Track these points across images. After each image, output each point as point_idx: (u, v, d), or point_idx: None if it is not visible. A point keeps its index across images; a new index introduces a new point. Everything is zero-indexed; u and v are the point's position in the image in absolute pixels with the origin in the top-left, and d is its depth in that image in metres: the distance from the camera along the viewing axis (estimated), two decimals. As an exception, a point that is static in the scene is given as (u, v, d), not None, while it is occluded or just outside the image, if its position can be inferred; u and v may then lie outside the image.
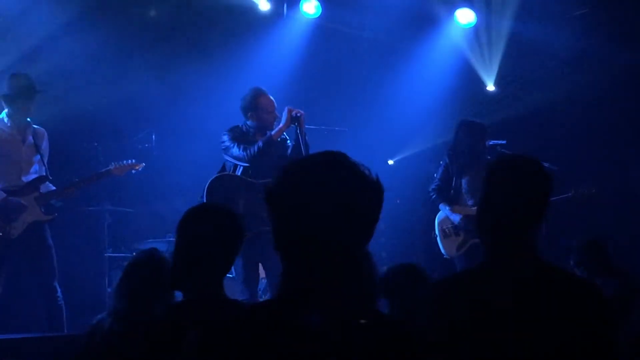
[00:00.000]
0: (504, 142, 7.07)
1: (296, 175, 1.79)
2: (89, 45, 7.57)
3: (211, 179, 5.96)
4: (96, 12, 7.58)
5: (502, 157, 2.60)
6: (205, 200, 5.81)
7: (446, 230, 6.83)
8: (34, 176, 6.20)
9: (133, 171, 6.69)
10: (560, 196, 6.65)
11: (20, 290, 6.41)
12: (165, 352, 2.44)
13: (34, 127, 6.30)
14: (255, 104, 6.10)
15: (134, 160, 6.68)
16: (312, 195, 1.74)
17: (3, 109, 6.20)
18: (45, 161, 6.31)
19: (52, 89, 6.55)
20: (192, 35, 8.20)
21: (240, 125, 6.15)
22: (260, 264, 6.04)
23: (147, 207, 7.15)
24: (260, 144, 5.89)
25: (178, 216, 2.75)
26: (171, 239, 7.40)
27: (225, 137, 6.05)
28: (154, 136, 7.74)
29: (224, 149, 6.05)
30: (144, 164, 6.75)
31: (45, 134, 6.38)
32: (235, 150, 5.96)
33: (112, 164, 6.59)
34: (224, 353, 1.68)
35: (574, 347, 2.27)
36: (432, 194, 6.99)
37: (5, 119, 6.17)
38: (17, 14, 7.02)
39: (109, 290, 6.87)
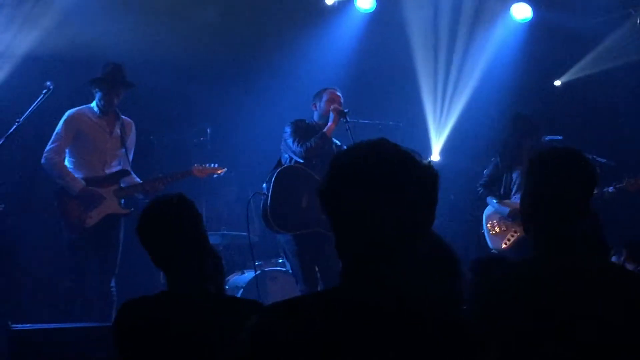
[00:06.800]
0: (560, 137, 6.97)
1: (344, 167, 1.73)
2: (145, 40, 7.62)
3: (280, 168, 5.96)
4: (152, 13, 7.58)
5: (542, 151, 2.54)
6: (271, 189, 5.81)
7: (494, 224, 6.79)
8: (116, 169, 6.27)
9: (215, 175, 6.71)
10: (611, 187, 6.48)
11: (84, 279, 6.46)
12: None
13: (123, 118, 6.35)
14: (321, 94, 6.18)
15: (216, 165, 6.69)
16: (365, 185, 1.68)
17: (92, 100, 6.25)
18: (130, 155, 6.35)
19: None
20: (247, 30, 8.20)
21: (305, 120, 6.17)
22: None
23: (201, 201, 7.16)
24: (314, 140, 5.90)
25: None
26: (225, 232, 7.43)
27: (287, 129, 6.07)
28: (209, 130, 7.76)
29: (283, 141, 6.07)
30: (225, 169, 6.75)
31: (133, 125, 6.42)
32: (292, 144, 5.97)
33: (195, 165, 6.58)
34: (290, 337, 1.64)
35: (636, 344, 2.19)
36: (479, 189, 7.02)
37: (95, 109, 6.23)
38: (73, 8, 7.05)
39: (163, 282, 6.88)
